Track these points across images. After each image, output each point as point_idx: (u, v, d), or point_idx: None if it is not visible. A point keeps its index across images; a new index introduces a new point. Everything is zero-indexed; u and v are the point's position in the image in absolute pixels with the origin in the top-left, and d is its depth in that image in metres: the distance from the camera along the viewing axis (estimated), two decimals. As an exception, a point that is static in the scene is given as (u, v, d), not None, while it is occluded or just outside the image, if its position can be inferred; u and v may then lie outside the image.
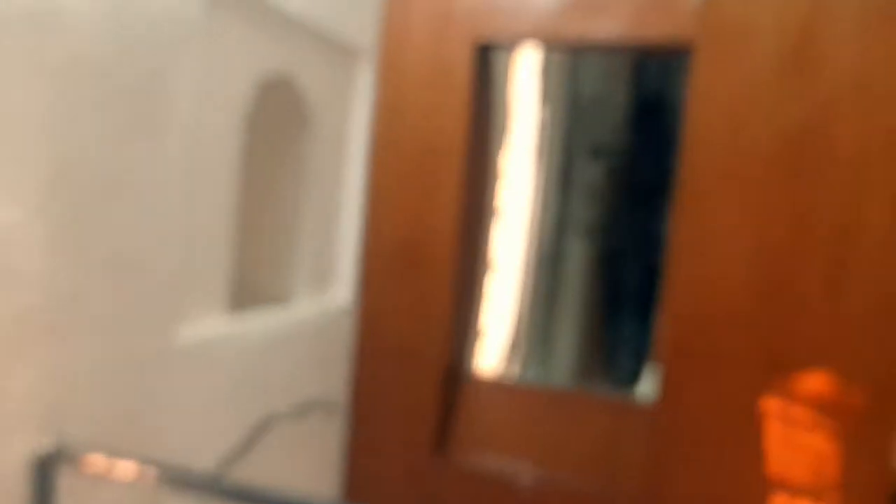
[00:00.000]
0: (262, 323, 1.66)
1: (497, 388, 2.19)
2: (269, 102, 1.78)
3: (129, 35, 1.16)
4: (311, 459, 1.99)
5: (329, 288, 2.05)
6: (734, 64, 1.78)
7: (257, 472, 1.66)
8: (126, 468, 1.07)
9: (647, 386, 2.12)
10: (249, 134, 1.61)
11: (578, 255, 2.20)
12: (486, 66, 2.13)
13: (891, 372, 1.71)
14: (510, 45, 2.01)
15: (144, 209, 1.24)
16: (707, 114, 1.81)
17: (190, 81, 1.30)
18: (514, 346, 2.28)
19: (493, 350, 2.28)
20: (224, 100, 1.45)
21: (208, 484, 1.16)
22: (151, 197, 1.25)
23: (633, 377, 2.19)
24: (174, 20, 1.24)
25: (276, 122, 1.86)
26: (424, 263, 2.09)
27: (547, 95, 2.17)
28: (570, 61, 2.12)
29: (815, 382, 1.77)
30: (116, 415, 1.21)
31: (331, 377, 2.05)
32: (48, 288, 1.06)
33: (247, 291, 1.88)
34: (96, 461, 1.08)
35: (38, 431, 1.08)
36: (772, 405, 1.80)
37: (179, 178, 1.30)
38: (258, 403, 1.65)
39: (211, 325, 1.45)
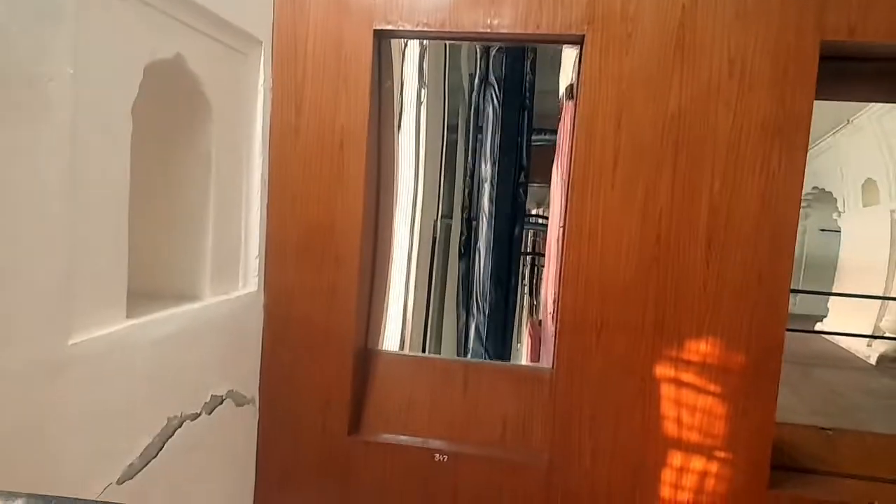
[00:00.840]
0: (166, 322, 1.58)
1: (405, 364, 2.23)
2: (163, 90, 1.69)
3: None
4: (226, 455, 1.95)
5: (238, 281, 2.00)
6: (620, 53, 1.88)
7: (170, 474, 1.61)
8: None
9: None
10: (143, 123, 1.52)
11: (462, 236, 2.29)
12: (384, 52, 2.13)
13: (768, 334, 1.90)
14: (408, 33, 2.02)
15: (20, 208, 1.14)
16: (595, 100, 1.91)
17: (66, 65, 1.20)
18: (415, 325, 2.33)
19: (397, 329, 2.32)
20: (109, 85, 1.35)
21: None
22: (28, 194, 1.16)
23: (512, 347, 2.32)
24: (43, 4, 1.15)
25: (173, 111, 1.77)
26: (332, 248, 2.08)
27: (437, 82, 2.20)
28: (459, 48, 2.16)
29: (701, 347, 1.93)
30: (2, 434, 1.13)
31: (242, 371, 2.01)
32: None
33: (150, 290, 1.80)
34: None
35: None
36: (663, 370, 1.96)
37: (60, 172, 1.21)
38: (166, 406, 1.59)
39: (107, 330, 1.37)
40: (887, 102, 2.29)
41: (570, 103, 2.10)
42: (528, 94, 2.21)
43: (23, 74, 1.12)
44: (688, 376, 1.95)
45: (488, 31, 1.94)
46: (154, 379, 1.53)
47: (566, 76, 2.12)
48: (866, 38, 1.80)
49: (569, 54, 2.09)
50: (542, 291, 2.25)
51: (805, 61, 1.82)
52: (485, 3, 1.93)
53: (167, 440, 1.59)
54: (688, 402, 1.96)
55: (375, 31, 1.99)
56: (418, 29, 1.97)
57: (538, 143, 2.22)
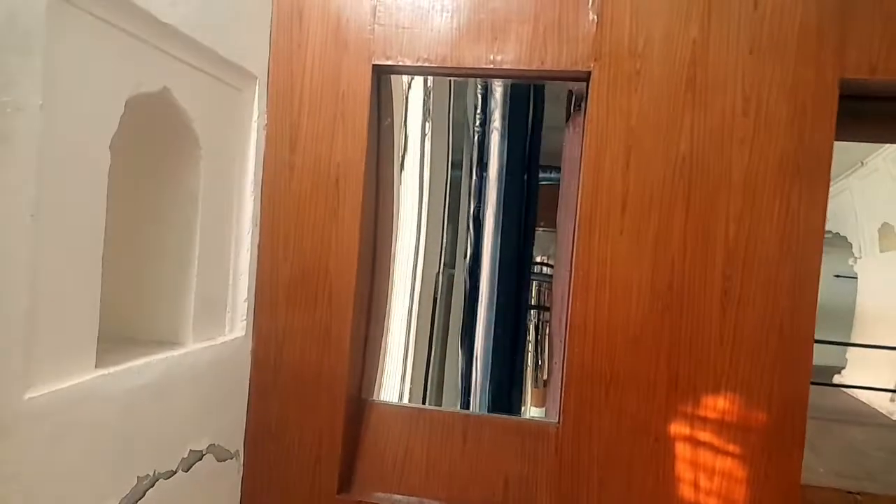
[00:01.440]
0: (142, 372, 1.46)
1: (401, 415, 2.08)
2: (149, 124, 1.62)
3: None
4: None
5: (224, 325, 1.89)
6: (628, 92, 1.80)
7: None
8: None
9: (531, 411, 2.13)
10: (125, 158, 1.44)
11: (463, 282, 2.17)
12: (384, 89, 2.07)
13: (791, 389, 1.75)
14: (408, 69, 1.95)
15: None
16: (602, 140, 1.82)
17: (35, 95, 1.13)
18: (415, 376, 2.19)
19: (396, 379, 2.18)
20: (85, 117, 1.27)
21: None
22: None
23: (518, 402, 2.17)
24: (12, 32, 1.08)
25: (159, 147, 1.69)
26: (325, 290, 1.97)
27: (441, 121, 2.13)
28: (463, 87, 2.09)
29: (719, 404, 1.79)
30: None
31: (225, 423, 1.87)
32: None
33: (126, 336, 1.69)
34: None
35: None
36: (678, 428, 1.81)
37: (22, 207, 1.12)
38: (137, 464, 1.46)
39: (72, 381, 1.26)
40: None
41: (573, 127, 2.00)
42: (534, 132, 2.12)
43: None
44: (705, 435, 1.80)
45: (491, 67, 1.87)
46: (124, 434, 1.40)
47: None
48: (888, 76, 1.71)
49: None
50: (548, 347, 2.12)
51: (824, 99, 1.73)
52: (488, 38, 1.86)
53: (136, 503, 1.45)
54: (705, 463, 1.81)
55: (374, 66, 1.93)
56: (418, 65, 1.91)
57: (545, 182, 2.12)
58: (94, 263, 1.34)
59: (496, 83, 2.08)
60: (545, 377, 2.13)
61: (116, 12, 1.33)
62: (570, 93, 2.02)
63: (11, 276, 1.11)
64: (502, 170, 2.12)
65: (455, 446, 2.03)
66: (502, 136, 2.11)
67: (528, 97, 2.10)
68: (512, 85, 2.08)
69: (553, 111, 2.09)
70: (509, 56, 1.85)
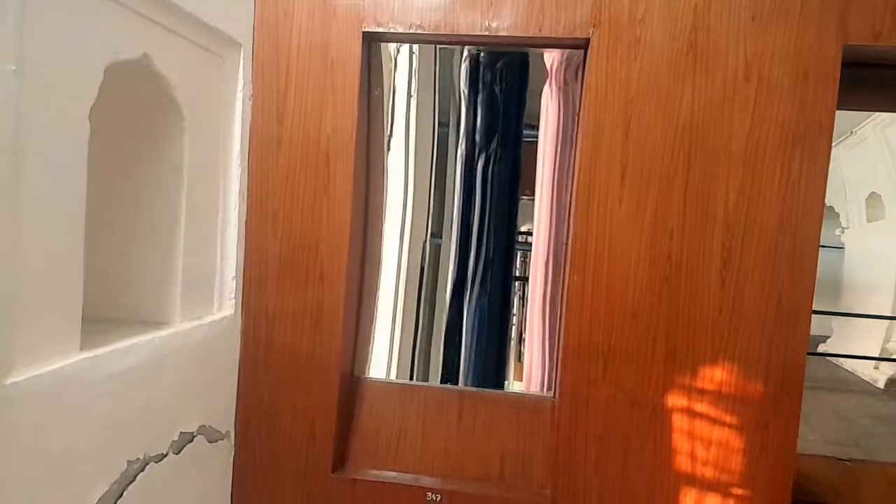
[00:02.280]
0: (129, 353, 1.40)
1: (395, 393, 2.05)
2: (130, 94, 1.54)
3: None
4: (197, 498, 1.77)
5: (212, 304, 1.83)
6: (628, 60, 1.75)
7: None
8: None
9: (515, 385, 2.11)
10: (106, 129, 1.37)
11: (452, 254, 2.13)
12: (374, 57, 1.99)
13: (788, 361, 1.74)
14: (400, 36, 1.88)
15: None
16: (601, 109, 1.77)
17: (8, 61, 1.06)
18: (403, 351, 2.16)
19: (384, 355, 2.15)
20: (62, 85, 1.20)
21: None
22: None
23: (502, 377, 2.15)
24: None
25: (141, 118, 1.61)
26: (316, 267, 1.92)
27: (427, 88, 2.06)
28: (449, 52, 2.01)
29: (717, 375, 1.78)
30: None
31: (216, 404, 1.83)
32: None
33: (111, 316, 1.64)
34: None
35: None
36: (675, 400, 1.80)
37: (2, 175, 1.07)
38: (126, 447, 1.42)
39: (56, 365, 1.21)
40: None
41: (561, 68, 1.93)
42: (523, 96, 2.06)
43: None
44: (702, 407, 1.80)
45: (487, 33, 1.80)
46: (112, 418, 1.36)
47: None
48: (892, 42, 1.67)
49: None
50: (528, 317, 2.08)
51: (827, 66, 1.69)
52: (483, 3, 1.79)
53: (127, 487, 1.41)
54: (702, 434, 1.80)
55: (364, 33, 1.85)
56: (411, 31, 1.83)
57: (529, 140, 2.06)
58: (76, 241, 1.27)
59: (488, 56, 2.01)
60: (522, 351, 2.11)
61: (90, -27, 1.25)
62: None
63: (-13, 255, 1.05)
64: (489, 136, 2.06)
65: (450, 423, 2.01)
66: (489, 102, 2.04)
67: (517, 62, 2.04)
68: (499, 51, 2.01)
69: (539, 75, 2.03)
70: (505, 22, 1.79)
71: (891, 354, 6.42)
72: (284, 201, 1.91)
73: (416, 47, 2.01)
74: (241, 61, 1.85)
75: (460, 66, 2.04)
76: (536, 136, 2.03)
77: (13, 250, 1.11)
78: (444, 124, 2.07)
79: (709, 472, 1.81)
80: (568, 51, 1.91)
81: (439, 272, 2.14)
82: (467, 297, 2.12)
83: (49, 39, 1.17)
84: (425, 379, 2.12)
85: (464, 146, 2.08)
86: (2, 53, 1.05)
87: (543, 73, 1.98)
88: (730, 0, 1.72)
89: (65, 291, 1.26)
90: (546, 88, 1.98)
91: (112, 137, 1.57)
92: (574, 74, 1.94)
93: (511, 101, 2.05)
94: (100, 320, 1.58)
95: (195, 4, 1.57)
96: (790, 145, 1.71)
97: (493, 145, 2.07)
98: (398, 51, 2.02)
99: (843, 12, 1.68)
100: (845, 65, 1.71)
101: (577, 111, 1.89)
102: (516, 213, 2.10)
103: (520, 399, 2.02)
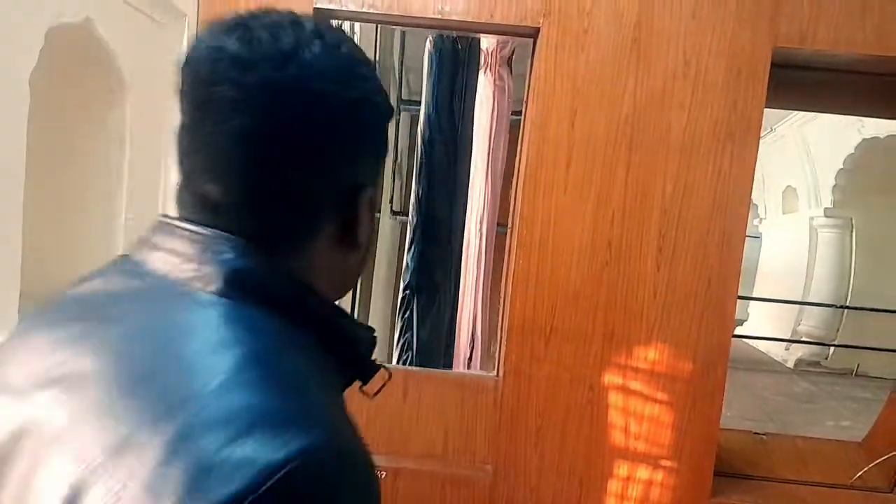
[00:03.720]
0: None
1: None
2: (71, 60, 1.47)
3: None
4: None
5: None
6: (575, 51, 1.80)
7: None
8: None
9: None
10: (45, 97, 1.30)
11: (396, 238, 2.15)
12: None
13: (715, 341, 1.87)
14: (352, 14, 1.86)
15: None
16: (549, 98, 1.82)
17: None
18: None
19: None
20: (1, 48, 1.15)
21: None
22: None
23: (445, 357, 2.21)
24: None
25: (82, 86, 1.55)
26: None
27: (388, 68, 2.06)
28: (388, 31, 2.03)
29: (650, 355, 1.88)
30: None
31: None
32: None
33: (52, 290, 1.57)
34: None
35: None
36: (612, 378, 1.90)
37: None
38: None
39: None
40: (832, 113, 2.33)
41: (497, 60, 1.98)
42: (463, 76, 2.09)
43: None
44: (636, 385, 1.90)
45: (439, 17, 1.81)
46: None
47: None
48: (816, 46, 1.80)
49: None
50: (461, 297, 2.14)
51: (758, 66, 1.80)
52: (437, -12, 1.80)
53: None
54: (635, 410, 1.91)
55: (316, 9, 1.83)
56: (363, 10, 1.82)
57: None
58: (14, 212, 1.22)
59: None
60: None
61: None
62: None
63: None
64: (430, 109, 2.09)
65: (395, 401, 2.04)
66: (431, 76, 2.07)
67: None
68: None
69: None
70: (458, 7, 1.81)
71: (800, 336, 6.92)
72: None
73: (357, 25, 2.00)
74: (186, 31, 1.79)
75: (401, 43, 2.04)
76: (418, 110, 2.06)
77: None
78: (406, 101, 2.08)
79: (641, 446, 1.92)
80: (502, 42, 1.94)
81: (379, 250, 2.15)
82: (409, 278, 2.15)
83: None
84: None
85: (403, 120, 2.10)
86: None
87: (475, 63, 2.01)
88: (671, -2, 1.80)
89: (2, 265, 1.21)
90: (481, 76, 2.01)
91: (53, 105, 1.50)
92: (507, 67, 1.99)
93: (450, 75, 2.09)
94: (40, 297, 1.51)
95: (139, -29, 1.51)
96: (722, 139, 1.82)
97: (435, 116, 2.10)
98: (340, 25, 2.01)
99: (773, 15, 1.79)
100: (775, 65, 1.82)
101: (509, 102, 1.94)
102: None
103: (464, 378, 2.08)
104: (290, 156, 0.51)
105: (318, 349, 0.53)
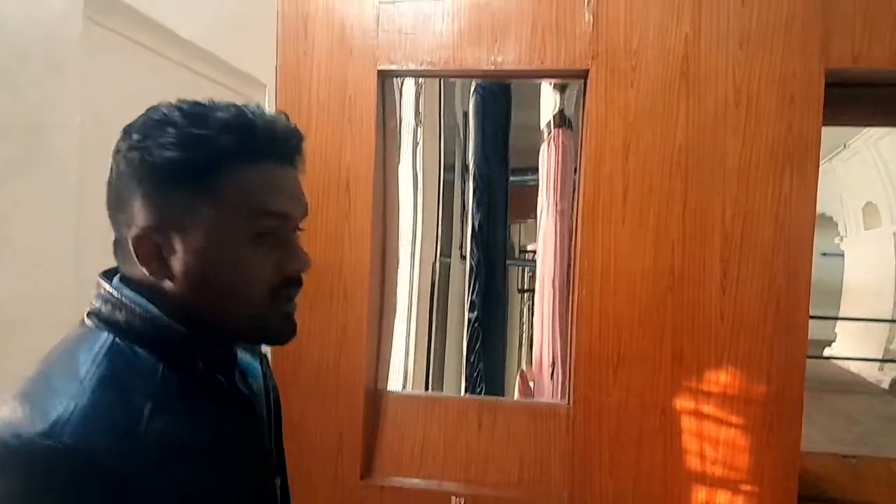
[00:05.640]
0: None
1: (417, 404, 2.17)
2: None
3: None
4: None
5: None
6: (625, 87, 1.89)
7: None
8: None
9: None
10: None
11: (460, 274, 2.29)
12: (387, 91, 2.14)
13: (789, 361, 1.86)
14: (412, 72, 2.02)
15: (28, 260, 1.12)
16: (602, 135, 1.91)
17: (71, 114, 1.19)
18: (418, 364, 2.30)
19: (400, 368, 2.28)
20: (115, 132, 1.35)
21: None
22: (35, 246, 1.14)
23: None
24: (46, 49, 1.14)
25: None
26: (340, 291, 2.05)
27: (432, 120, 2.22)
28: (451, 86, 2.19)
29: (721, 378, 1.89)
30: None
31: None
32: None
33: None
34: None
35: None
36: (683, 402, 1.91)
37: (65, 222, 1.20)
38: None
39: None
40: (891, 126, 2.30)
41: (557, 131, 2.10)
42: (507, 130, 2.23)
43: (31, 124, 1.11)
44: (709, 408, 1.91)
45: (492, 68, 1.94)
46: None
47: (548, 107, 2.13)
48: (870, 65, 1.81)
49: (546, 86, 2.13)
50: (538, 329, 2.21)
51: (811, 88, 1.82)
52: (488, 40, 1.94)
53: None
54: (710, 434, 1.91)
55: (379, 71, 2.00)
56: (422, 68, 1.98)
57: (530, 183, 2.23)
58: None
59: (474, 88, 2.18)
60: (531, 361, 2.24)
61: (140, 30, 1.40)
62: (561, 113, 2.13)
63: (61, 282, 1.18)
64: (483, 166, 2.23)
65: (471, 431, 2.12)
66: (482, 138, 2.22)
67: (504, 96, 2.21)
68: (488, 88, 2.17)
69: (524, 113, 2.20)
70: (509, 57, 1.93)
71: (894, 356, 6.51)
72: (309, 228, 2.04)
73: (420, 80, 2.16)
74: (266, 100, 1.99)
75: (466, 99, 2.20)
76: (536, 179, 2.20)
77: (77, 283, 1.23)
78: (449, 153, 2.23)
79: (718, 470, 1.91)
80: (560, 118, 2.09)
81: (450, 289, 2.28)
82: (475, 312, 2.26)
83: (103, 92, 1.31)
84: (439, 389, 2.24)
85: (461, 177, 2.25)
86: (68, 109, 1.19)
87: (538, 136, 2.17)
88: (718, 29, 1.86)
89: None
90: (543, 148, 2.15)
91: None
92: (569, 136, 2.11)
93: (501, 130, 2.23)
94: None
95: (225, 51, 1.72)
96: (780, 162, 1.84)
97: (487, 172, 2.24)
98: (402, 83, 2.18)
99: (823, 38, 1.82)
100: (831, 85, 1.84)
101: (574, 157, 2.06)
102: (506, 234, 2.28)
103: (536, 407, 2.13)
104: None
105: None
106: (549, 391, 2.19)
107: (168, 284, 0.68)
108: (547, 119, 2.15)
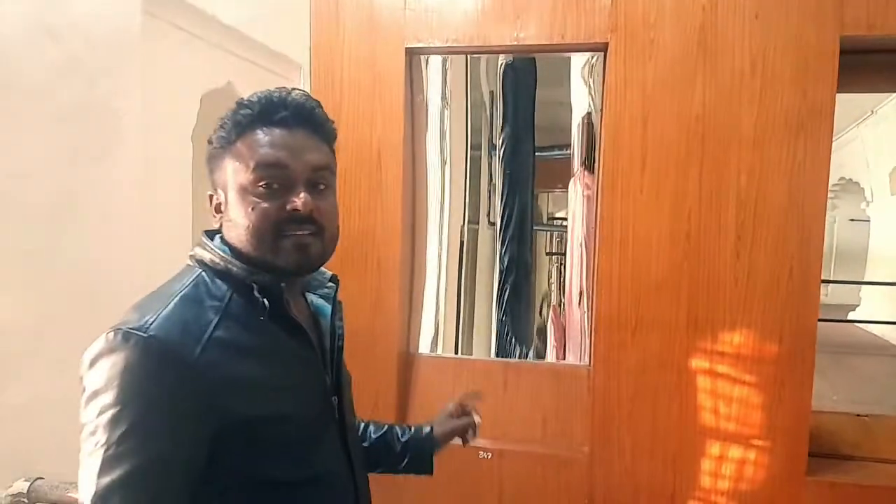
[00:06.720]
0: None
1: (447, 366, 2.31)
2: (216, 116, 1.81)
3: (66, 57, 1.17)
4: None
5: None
6: (643, 60, 1.95)
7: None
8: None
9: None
10: (203, 150, 1.64)
11: (488, 240, 2.39)
12: (415, 68, 2.23)
13: (801, 324, 1.94)
14: (438, 49, 2.11)
15: (100, 234, 1.26)
16: (620, 107, 1.98)
17: (136, 100, 1.32)
18: (447, 327, 2.42)
19: (430, 332, 2.41)
20: (173, 115, 1.48)
21: None
22: (106, 221, 1.27)
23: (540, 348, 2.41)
24: (111, 41, 1.26)
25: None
26: (374, 256, 2.19)
27: (459, 96, 2.31)
28: (476, 62, 2.27)
29: (735, 339, 1.98)
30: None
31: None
32: (6, 330, 1.07)
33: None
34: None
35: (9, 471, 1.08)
36: (698, 362, 2.01)
37: (132, 200, 1.33)
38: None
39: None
40: (909, 92, 2.32)
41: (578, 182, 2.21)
42: (533, 106, 2.31)
43: (95, 111, 1.24)
44: (723, 368, 2.00)
45: (516, 43, 2.02)
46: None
47: (580, 100, 2.21)
48: (885, 31, 1.84)
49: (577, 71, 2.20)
50: (567, 289, 2.33)
51: (825, 56, 1.87)
52: (510, 16, 2.02)
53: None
54: (724, 392, 2.01)
55: (407, 49, 2.09)
56: (448, 45, 2.07)
57: (545, 157, 2.31)
58: (185, 240, 1.54)
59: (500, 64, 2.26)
60: (563, 313, 2.35)
61: (190, 19, 1.52)
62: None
63: (130, 260, 1.32)
64: (510, 139, 2.32)
65: (497, 391, 2.25)
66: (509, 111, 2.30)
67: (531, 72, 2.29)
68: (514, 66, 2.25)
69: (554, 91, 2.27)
70: (531, 32, 2.01)
71: (918, 320, 6.48)
72: (343, 200, 2.16)
73: (449, 58, 2.25)
74: (301, 79, 2.11)
75: (494, 73, 2.28)
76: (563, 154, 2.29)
77: (146, 262, 1.37)
78: (475, 130, 2.32)
79: (731, 426, 2.01)
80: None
81: (478, 254, 2.40)
82: (503, 275, 2.37)
83: (163, 80, 1.43)
84: (468, 352, 2.38)
85: (490, 149, 2.34)
86: (134, 94, 1.32)
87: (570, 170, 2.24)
88: (734, 0, 1.91)
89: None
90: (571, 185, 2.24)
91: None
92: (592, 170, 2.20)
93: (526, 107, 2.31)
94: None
95: (264, 35, 1.83)
96: (794, 130, 1.90)
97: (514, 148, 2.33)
98: (429, 59, 2.26)
99: (838, 6, 1.86)
100: (844, 52, 1.89)
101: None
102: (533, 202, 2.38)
103: (559, 368, 2.26)
104: None
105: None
106: (577, 318, 2.29)
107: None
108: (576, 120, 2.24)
